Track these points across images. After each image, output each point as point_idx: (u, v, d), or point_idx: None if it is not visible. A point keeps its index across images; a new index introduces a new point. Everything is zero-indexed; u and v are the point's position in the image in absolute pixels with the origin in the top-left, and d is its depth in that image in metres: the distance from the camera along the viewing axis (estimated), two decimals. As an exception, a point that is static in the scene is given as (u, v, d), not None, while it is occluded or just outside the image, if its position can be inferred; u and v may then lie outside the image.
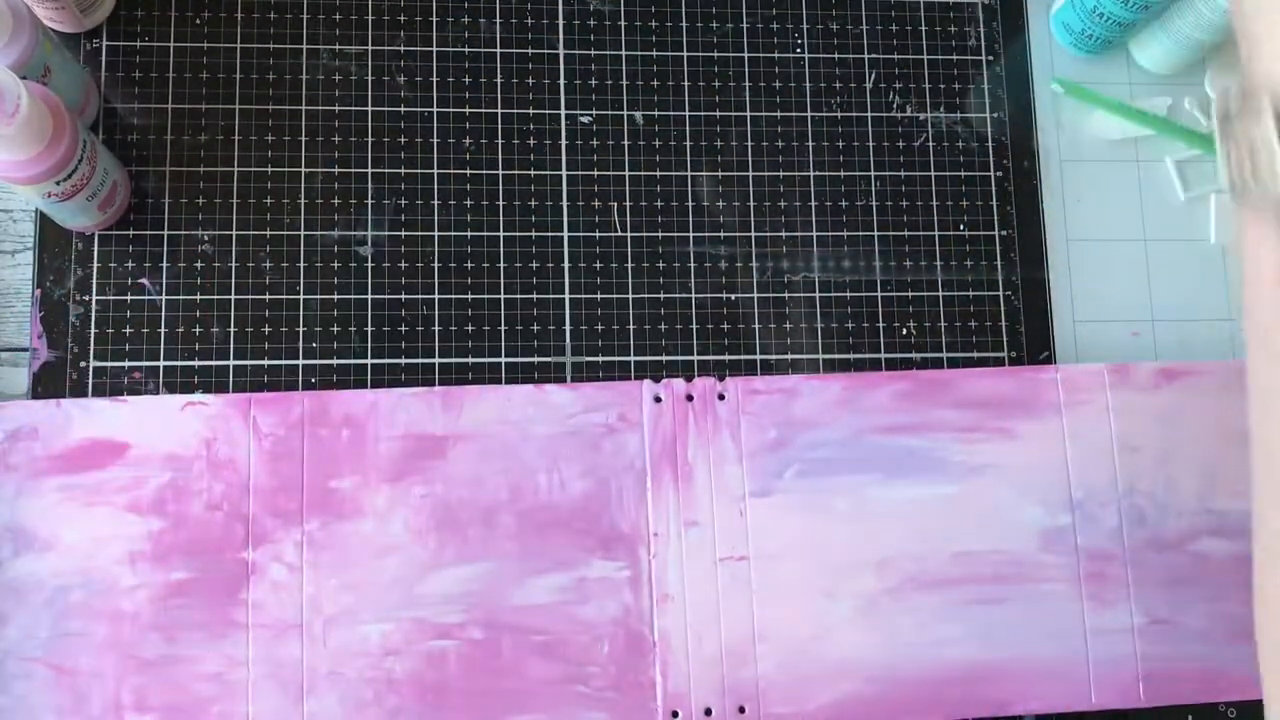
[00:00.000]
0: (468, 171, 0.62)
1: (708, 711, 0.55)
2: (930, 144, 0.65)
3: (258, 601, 0.54)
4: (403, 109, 0.62)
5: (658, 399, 0.57)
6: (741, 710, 0.55)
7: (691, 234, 0.63)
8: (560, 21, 0.65)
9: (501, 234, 0.62)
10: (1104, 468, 0.58)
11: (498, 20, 0.64)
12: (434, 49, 0.63)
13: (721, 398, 0.57)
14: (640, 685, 0.54)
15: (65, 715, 0.52)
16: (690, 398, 0.57)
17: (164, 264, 0.59)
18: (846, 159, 0.65)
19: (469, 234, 0.62)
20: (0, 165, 0.50)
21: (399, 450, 0.56)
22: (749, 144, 0.64)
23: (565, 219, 0.63)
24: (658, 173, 0.63)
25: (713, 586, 0.56)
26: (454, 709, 0.54)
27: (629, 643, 0.55)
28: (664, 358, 0.61)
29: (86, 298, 0.58)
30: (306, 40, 0.63)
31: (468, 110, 0.63)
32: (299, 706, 0.53)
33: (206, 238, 0.60)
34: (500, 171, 0.62)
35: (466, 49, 0.64)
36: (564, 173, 0.63)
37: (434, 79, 0.63)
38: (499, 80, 0.63)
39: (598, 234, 0.62)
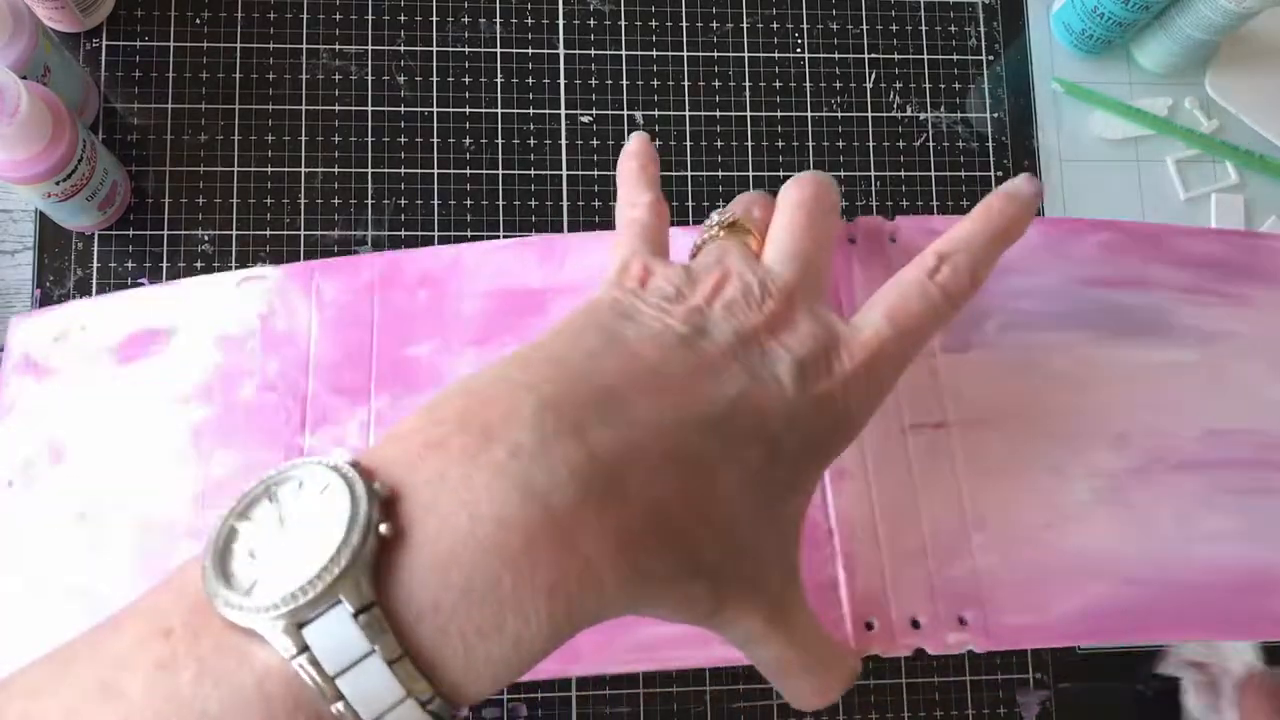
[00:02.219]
0: (468, 171, 0.62)
1: (915, 622, 0.40)
2: (930, 144, 0.65)
3: None
4: (403, 109, 0.62)
5: None
6: (961, 621, 0.40)
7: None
8: (560, 21, 0.65)
9: (502, 234, 0.62)
10: None
11: (498, 20, 0.64)
12: (434, 49, 0.63)
13: (893, 240, 0.45)
14: (819, 586, 0.41)
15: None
16: (852, 240, 0.45)
17: (164, 264, 0.59)
18: (847, 159, 0.65)
19: (469, 234, 0.62)
20: (0, 165, 0.50)
21: (488, 308, 0.45)
22: (749, 144, 0.64)
23: (565, 219, 0.63)
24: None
25: (903, 460, 0.43)
26: None
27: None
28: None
29: (86, 298, 0.58)
30: (306, 40, 0.63)
31: (468, 110, 0.63)
32: None
33: (206, 238, 0.60)
34: (500, 171, 0.62)
35: (466, 49, 0.64)
36: (564, 173, 0.63)
37: (434, 79, 0.63)
38: (499, 80, 0.63)
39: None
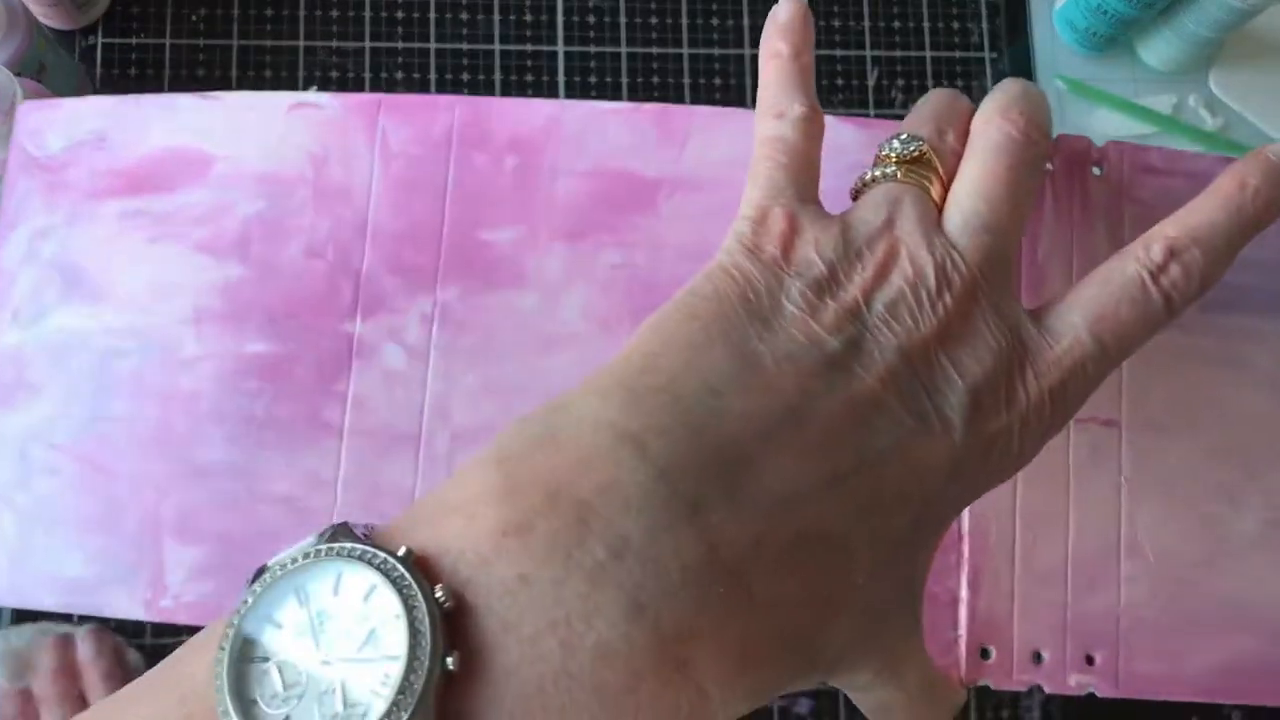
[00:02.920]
0: (466, 169, 0.62)
1: (1037, 657, 0.35)
2: (933, 142, 0.65)
3: (361, 397, 0.36)
4: (401, 106, 0.62)
5: None
6: (1089, 661, 0.35)
7: (692, 232, 0.62)
8: (560, 18, 0.64)
9: (500, 232, 0.61)
10: None
11: (496, 16, 0.64)
12: (432, 45, 0.63)
13: (1099, 169, 0.37)
14: (935, 599, 0.35)
15: (90, 531, 0.37)
16: (1049, 163, 0.36)
17: (160, 263, 0.59)
18: (848, 157, 0.64)
19: (467, 232, 0.61)
20: (-6, 163, 0.49)
21: (588, 193, 0.37)
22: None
23: (565, 217, 0.62)
24: (658, 171, 0.63)
25: (1062, 460, 0.36)
26: None
27: None
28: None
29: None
30: (304, 37, 0.62)
31: (466, 108, 0.62)
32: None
33: (203, 236, 0.60)
34: (499, 169, 0.62)
35: (465, 45, 0.63)
36: (563, 171, 0.63)
37: (432, 76, 0.63)
38: (498, 77, 0.63)
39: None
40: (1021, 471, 0.31)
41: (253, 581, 0.19)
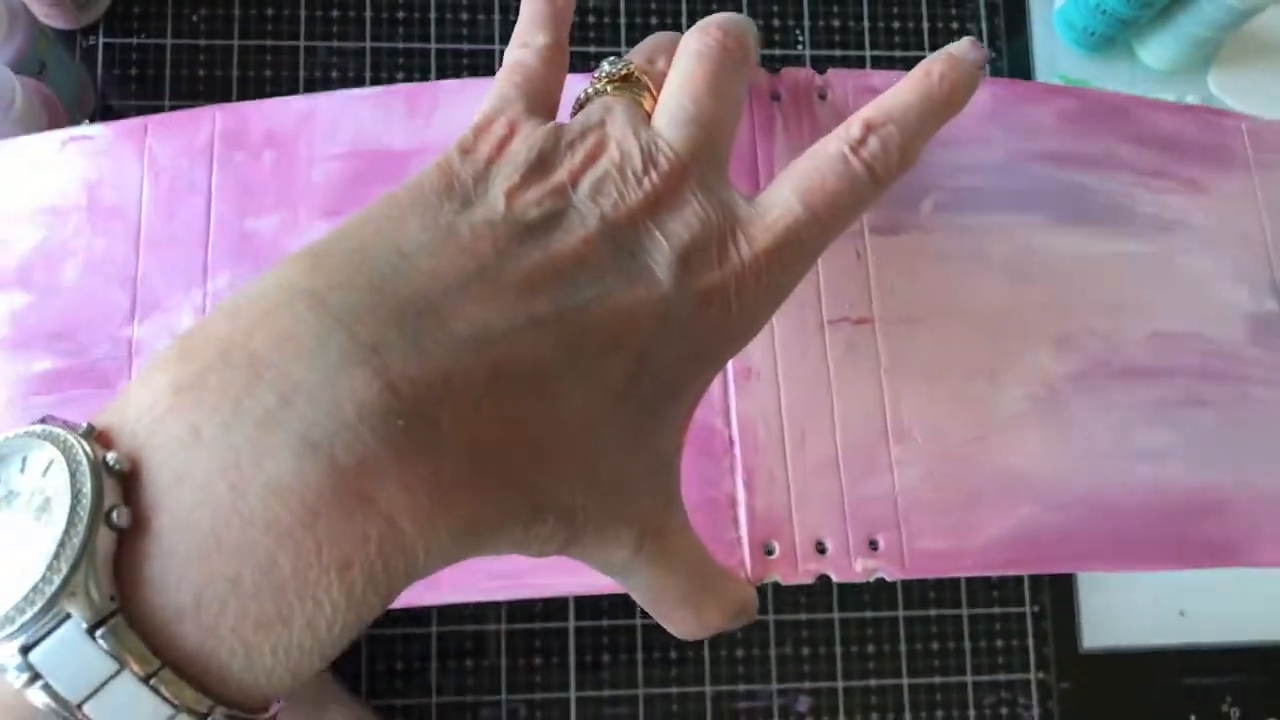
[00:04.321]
0: (466, 169, 0.62)
1: (820, 546, 0.36)
2: (932, 141, 0.65)
3: None
4: (401, 106, 0.62)
5: None
6: (873, 545, 0.36)
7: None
8: (560, 18, 0.64)
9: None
10: None
11: (496, 16, 0.64)
12: (432, 46, 0.63)
13: (823, 97, 0.40)
14: (713, 504, 0.36)
15: None
16: (777, 96, 0.39)
17: (161, 262, 0.59)
18: (848, 157, 0.64)
19: (468, 232, 0.61)
20: (-5, 162, 0.49)
21: (343, 172, 0.39)
22: (750, 141, 0.64)
23: (565, 217, 0.62)
24: (658, 170, 0.63)
25: (820, 359, 0.38)
26: None
27: (693, 438, 0.37)
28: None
29: None
30: (304, 37, 0.62)
31: (467, 108, 0.63)
32: None
33: (203, 236, 0.60)
34: (499, 169, 0.62)
35: (465, 45, 0.63)
36: (563, 170, 0.63)
37: (432, 76, 0.63)
38: (498, 77, 0.63)
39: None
40: (782, 373, 0.36)
41: None
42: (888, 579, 0.36)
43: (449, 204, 0.23)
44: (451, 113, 0.39)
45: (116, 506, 0.18)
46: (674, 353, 0.24)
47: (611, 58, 0.28)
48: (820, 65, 0.66)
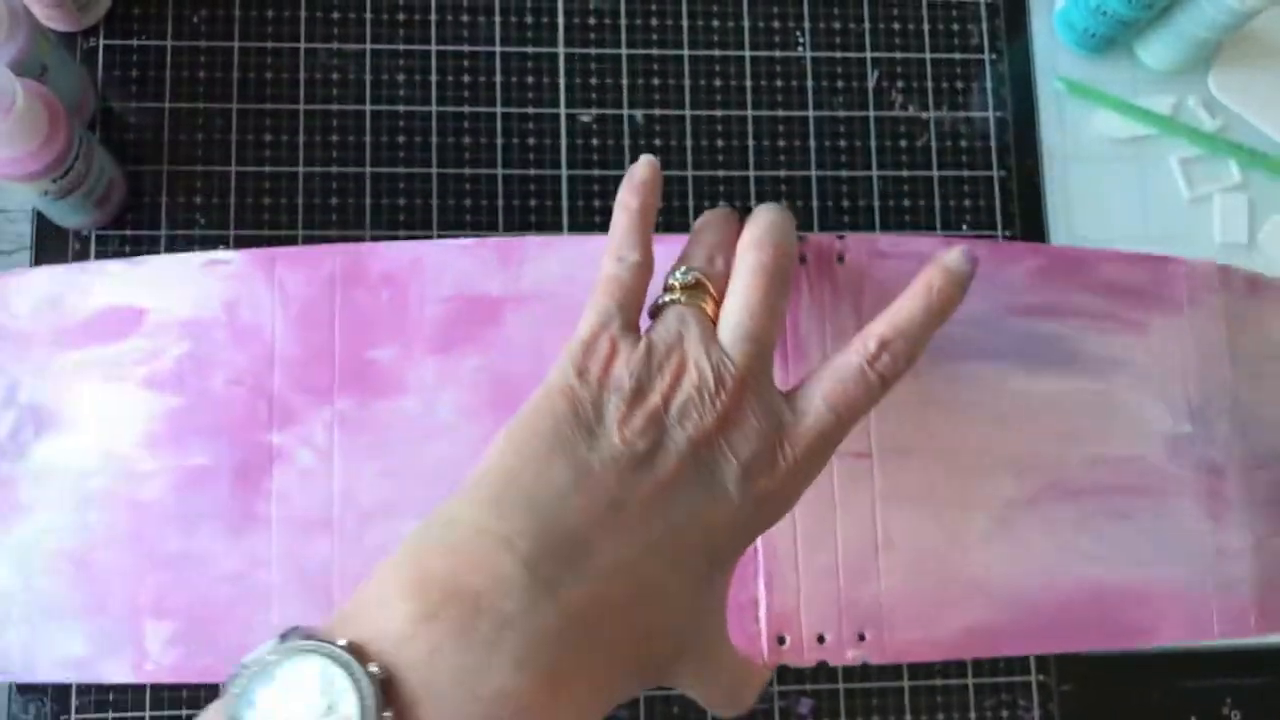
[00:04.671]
0: (467, 171, 0.62)
1: (820, 638, 0.45)
2: (932, 143, 0.65)
3: (282, 492, 0.46)
4: (402, 108, 0.62)
5: None
6: (861, 637, 0.45)
7: (692, 234, 0.62)
8: (560, 20, 0.64)
9: (501, 234, 0.61)
10: (1217, 374, 0.52)
11: (497, 18, 0.64)
12: (433, 48, 0.63)
13: (841, 259, 0.47)
14: (739, 604, 0.45)
15: (85, 616, 0.46)
16: (803, 259, 0.46)
17: (161, 264, 0.59)
18: (847, 158, 0.64)
19: (469, 234, 0.61)
20: (-4, 164, 0.50)
21: (448, 314, 0.46)
22: (749, 144, 0.64)
23: (565, 219, 0.62)
24: (658, 172, 0.63)
25: (828, 487, 0.46)
26: None
27: None
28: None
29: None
30: (305, 39, 0.62)
31: (467, 110, 0.63)
32: (329, 614, 0.44)
33: (203, 237, 0.60)
34: (500, 171, 0.62)
35: (466, 47, 0.63)
36: (564, 172, 0.63)
37: (433, 78, 0.63)
38: (499, 79, 0.63)
39: (598, 234, 0.62)
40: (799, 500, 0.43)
41: (234, 678, 0.26)
42: (871, 663, 0.45)
43: (580, 436, 0.30)
44: (537, 269, 0.47)
45: (388, 708, 0.25)
46: (741, 541, 0.33)
47: (682, 268, 0.35)
48: (817, 75, 0.66)
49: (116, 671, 0.46)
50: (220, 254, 0.46)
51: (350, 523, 0.46)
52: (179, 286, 0.47)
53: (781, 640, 0.45)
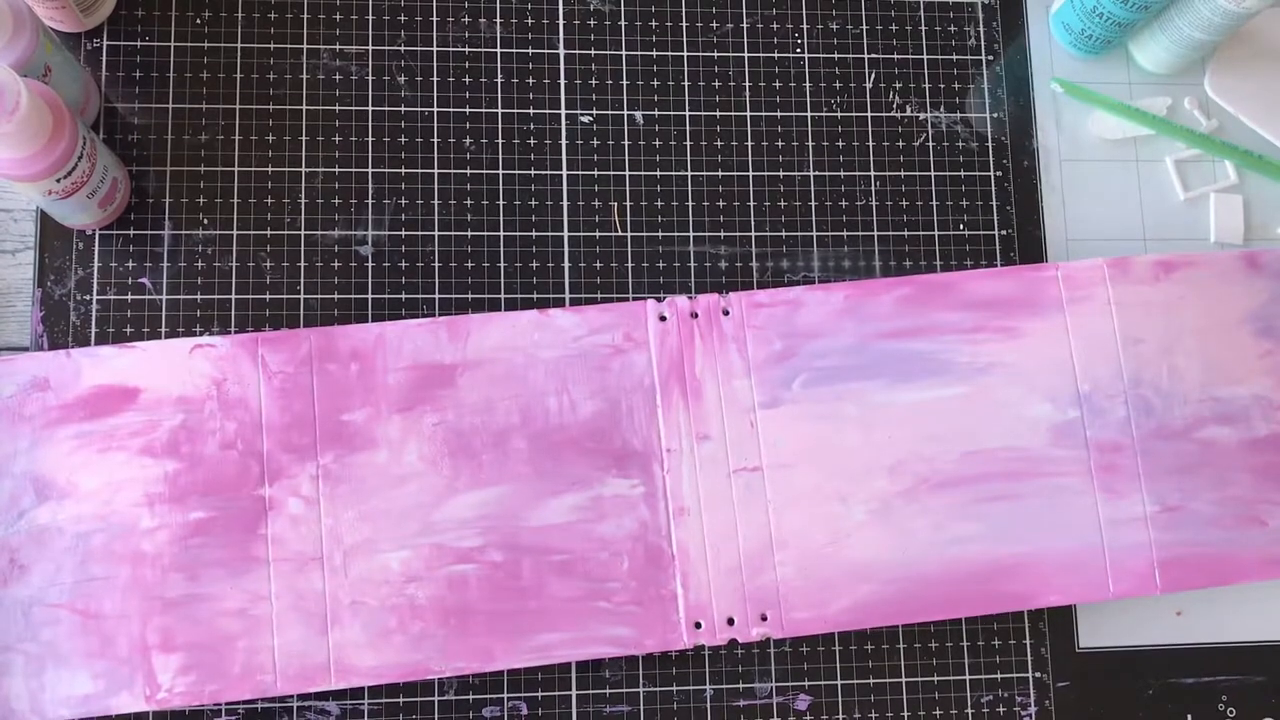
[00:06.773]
0: (468, 171, 0.62)
1: (730, 620, 0.55)
2: (930, 144, 0.65)
3: (277, 536, 0.54)
4: (403, 109, 0.62)
5: (662, 318, 0.58)
6: (763, 618, 0.55)
7: (692, 234, 0.63)
8: (560, 21, 0.65)
9: (501, 234, 0.62)
10: (1109, 361, 0.59)
11: (498, 20, 0.64)
12: (434, 49, 0.63)
13: (726, 313, 0.58)
14: (661, 598, 0.55)
15: (93, 658, 0.52)
16: (695, 315, 0.58)
17: (164, 263, 0.59)
18: (846, 159, 0.65)
19: (469, 234, 0.62)
20: (0, 163, 0.50)
21: (408, 380, 0.56)
22: (749, 144, 0.64)
23: (565, 219, 0.63)
24: (658, 173, 0.63)
25: (728, 498, 0.56)
26: (478, 631, 0.54)
27: (648, 557, 0.56)
28: (664, 357, 0.61)
29: (87, 297, 0.58)
30: (307, 40, 0.63)
31: (468, 110, 0.63)
32: (324, 637, 0.54)
33: (206, 237, 0.60)
34: (500, 171, 0.62)
35: (467, 49, 0.64)
36: (564, 173, 0.63)
37: (434, 79, 0.63)
38: (499, 80, 0.64)
39: (598, 234, 0.62)
40: (704, 510, 0.56)
41: None
42: (773, 638, 0.56)
43: None
44: (481, 339, 0.57)
45: None
46: None
47: None
48: (816, 76, 0.66)
49: (128, 703, 0.52)
50: (206, 340, 0.55)
51: (338, 558, 0.54)
52: (169, 368, 0.54)
53: (698, 625, 0.55)
